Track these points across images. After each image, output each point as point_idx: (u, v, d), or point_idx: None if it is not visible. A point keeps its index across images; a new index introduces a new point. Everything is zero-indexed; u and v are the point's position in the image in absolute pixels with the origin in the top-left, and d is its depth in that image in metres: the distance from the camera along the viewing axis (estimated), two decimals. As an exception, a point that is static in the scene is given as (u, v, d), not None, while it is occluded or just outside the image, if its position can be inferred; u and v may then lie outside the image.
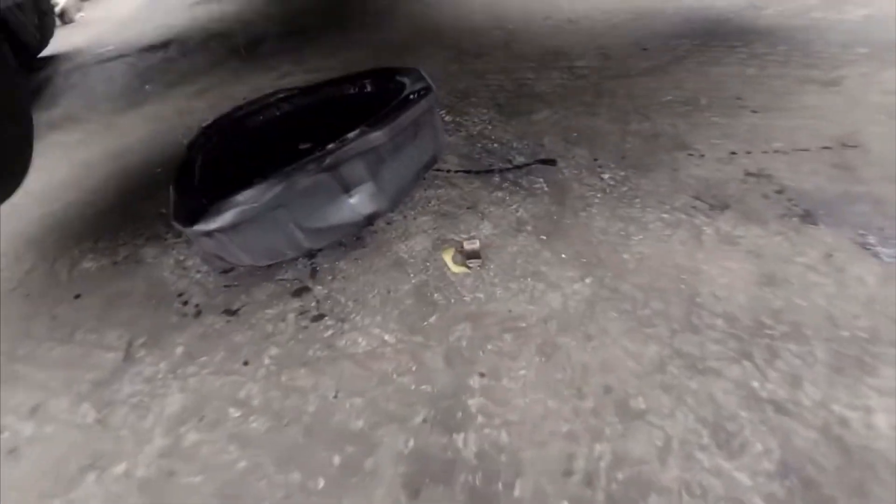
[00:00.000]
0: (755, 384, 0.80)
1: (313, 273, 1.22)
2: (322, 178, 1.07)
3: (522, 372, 0.89)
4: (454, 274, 1.12)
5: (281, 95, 1.59)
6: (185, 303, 1.22)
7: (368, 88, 1.50)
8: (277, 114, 1.59)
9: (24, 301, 1.34)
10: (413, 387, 0.91)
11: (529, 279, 1.07)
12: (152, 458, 0.88)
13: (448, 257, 1.16)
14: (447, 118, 1.75)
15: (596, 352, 0.90)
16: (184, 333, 1.13)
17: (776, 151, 1.28)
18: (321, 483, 0.79)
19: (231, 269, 1.28)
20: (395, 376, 0.93)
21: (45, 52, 3.91)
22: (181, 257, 1.37)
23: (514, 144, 1.54)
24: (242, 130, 1.53)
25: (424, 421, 0.85)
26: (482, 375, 0.90)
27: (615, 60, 1.92)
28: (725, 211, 1.13)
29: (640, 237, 1.11)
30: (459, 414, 0.85)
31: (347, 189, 1.11)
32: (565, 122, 1.59)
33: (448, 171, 1.48)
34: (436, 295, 1.08)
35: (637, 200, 1.22)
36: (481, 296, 1.06)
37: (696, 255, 1.04)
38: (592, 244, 1.12)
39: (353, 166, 1.09)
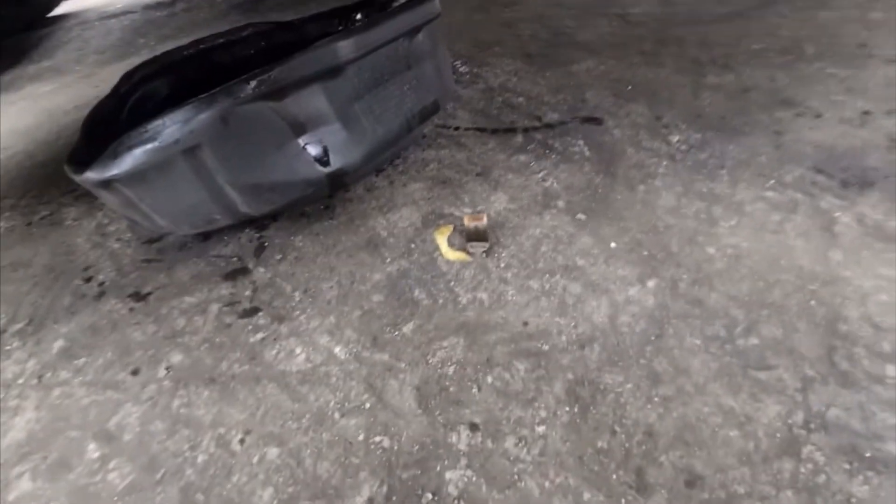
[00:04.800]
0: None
1: (259, 250, 0.89)
2: (260, 110, 0.73)
3: (540, 429, 0.54)
4: (449, 262, 0.77)
5: (253, 31, 1.27)
6: (89, 279, 0.90)
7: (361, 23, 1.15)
8: (251, 52, 1.26)
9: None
10: (362, 437, 0.56)
11: (559, 277, 0.71)
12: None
13: (442, 238, 0.81)
14: (462, 69, 1.38)
15: (668, 407, 0.54)
16: (72, 321, 0.82)
17: (933, 112, 0.87)
18: None
19: (158, 239, 0.97)
20: (337, 416, 0.59)
21: (58, 11, 3.72)
22: (105, 220, 1.06)
23: (546, 99, 1.16)
24: (203, 66, 1.21)
25: (370, 503, 0.51)
26: (473, 429, 0.55)
27: (682, 6, 1.51)
28: (868, 191, 0.74)
29: (732, 223, 0.74)
30: (429, 496, 0.50)
31: (300, 130, 0.77)
32: (615, 74, 1.21)
33: (456, 127, 1.12)
34: (418, 291, 0.73)
35: (723, 172, 0.84)
36: (484, 296, 0.70)
37: (830, 254, 0.66)
38: (657, 230, 0.75)
39: (307, 96, 0.75)
